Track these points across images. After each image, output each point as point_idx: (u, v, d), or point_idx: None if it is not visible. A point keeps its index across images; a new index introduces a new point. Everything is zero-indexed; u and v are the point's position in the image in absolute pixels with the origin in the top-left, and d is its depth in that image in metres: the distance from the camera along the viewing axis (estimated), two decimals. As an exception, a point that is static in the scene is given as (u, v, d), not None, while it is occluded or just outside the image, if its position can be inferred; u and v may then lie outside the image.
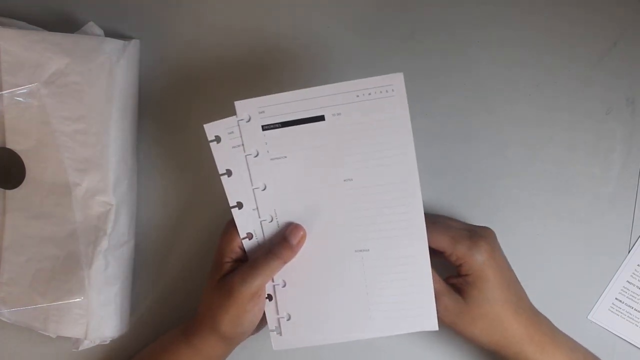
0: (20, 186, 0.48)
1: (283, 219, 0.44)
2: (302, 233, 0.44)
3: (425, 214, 0.43)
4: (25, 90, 0.46)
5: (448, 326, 0.45)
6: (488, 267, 0.44)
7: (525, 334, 0.44)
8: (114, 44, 0.48)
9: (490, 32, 0.52)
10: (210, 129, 0.43)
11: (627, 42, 0.51)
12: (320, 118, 0.42)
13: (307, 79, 0.52)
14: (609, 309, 0.51)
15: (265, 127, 0.43)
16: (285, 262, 0.44)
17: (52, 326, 0.48)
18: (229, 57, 0.52)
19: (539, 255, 0.51)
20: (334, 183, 0.43)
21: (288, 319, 0.45)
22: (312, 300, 0.45)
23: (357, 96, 0.41)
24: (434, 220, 0.46)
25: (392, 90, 0.41)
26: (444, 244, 0.44)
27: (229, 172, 0.44)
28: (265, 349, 0.52)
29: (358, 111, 0.41)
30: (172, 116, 0.53)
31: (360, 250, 0.44)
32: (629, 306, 0.51)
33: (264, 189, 0.44)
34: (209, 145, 0.43)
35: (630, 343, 0.51)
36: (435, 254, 0.44)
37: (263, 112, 0.42)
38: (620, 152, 0.51)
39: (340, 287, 0.45)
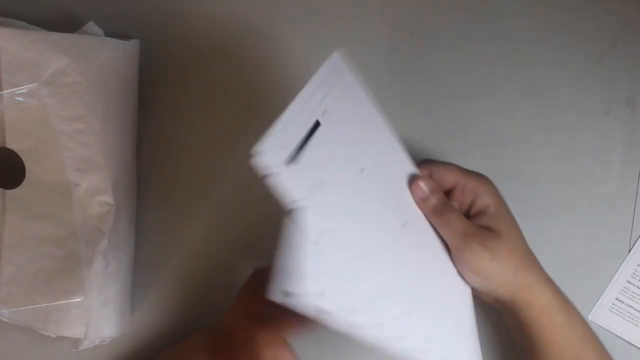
0: (20, 186, 0.48)
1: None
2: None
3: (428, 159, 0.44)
4: (25, 90, 0.46)
5: (476, 273, 0.42)
6: (501, 197, 0.44)
7: (545, 275, 0.44)
8: (114, 44, 0.48)
9: (491, 32, 0.52)
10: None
11: (627, 42, 0.51)
12: (317, 125, 0.38)
13: (309, 77, 0.52)
14: (609, 309, 0.51)
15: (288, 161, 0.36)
16: None
17: (52, 326, 0.47)
18: (230, 57, 0.52)
19: (539, 255, 0.51)
20: (355, 173, 0.41)
21: None
22: None
23: (323, 89, 0.39)
24: (438, 162, 0.45)
25: (341, 70, 0.40)
26: (455, 175, 0.44)
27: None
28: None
29: (333, 102, 0.39)
30: (172, 116, 0.53)
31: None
32: (629, 306, 0.51)
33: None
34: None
35: (630, 343, 0.51)
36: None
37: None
38: (620, 152, 0.51)
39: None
